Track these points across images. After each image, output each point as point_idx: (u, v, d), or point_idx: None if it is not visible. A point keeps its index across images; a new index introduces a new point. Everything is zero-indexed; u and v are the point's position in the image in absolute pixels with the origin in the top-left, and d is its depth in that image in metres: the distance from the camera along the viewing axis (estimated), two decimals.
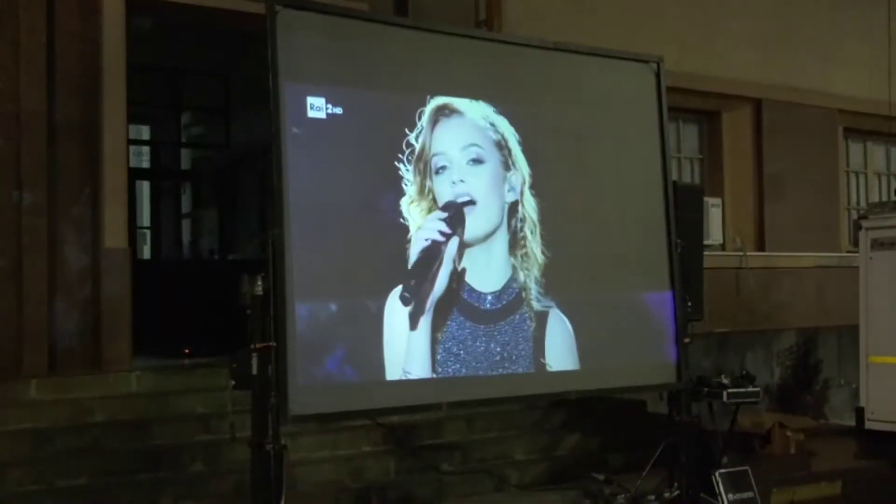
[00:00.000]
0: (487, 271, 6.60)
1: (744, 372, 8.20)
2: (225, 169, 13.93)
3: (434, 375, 6.28)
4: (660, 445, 7.58)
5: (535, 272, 6.79)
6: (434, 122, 6.49)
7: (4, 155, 8.16)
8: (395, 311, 6.12)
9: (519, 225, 6.78)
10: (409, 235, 6.23)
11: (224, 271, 11.29)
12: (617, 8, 11.52)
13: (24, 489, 6.93)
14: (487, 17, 10.45)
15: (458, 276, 6.41)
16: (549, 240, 6.86)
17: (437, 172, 6.42)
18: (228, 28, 10.00)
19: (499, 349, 6.59)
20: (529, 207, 6.85)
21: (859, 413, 10.08)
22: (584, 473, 8.16)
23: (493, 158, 6.72)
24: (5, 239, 8.16)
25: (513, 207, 6.77)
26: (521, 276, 6.75)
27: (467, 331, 6.43)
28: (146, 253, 13.88)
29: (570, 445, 8.91)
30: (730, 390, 7.65)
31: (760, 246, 12.98)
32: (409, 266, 6.20)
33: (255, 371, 5.63)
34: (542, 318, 6.80)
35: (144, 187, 14.06)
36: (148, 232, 14.03)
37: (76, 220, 8.46)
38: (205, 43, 11.62)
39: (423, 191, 6.34)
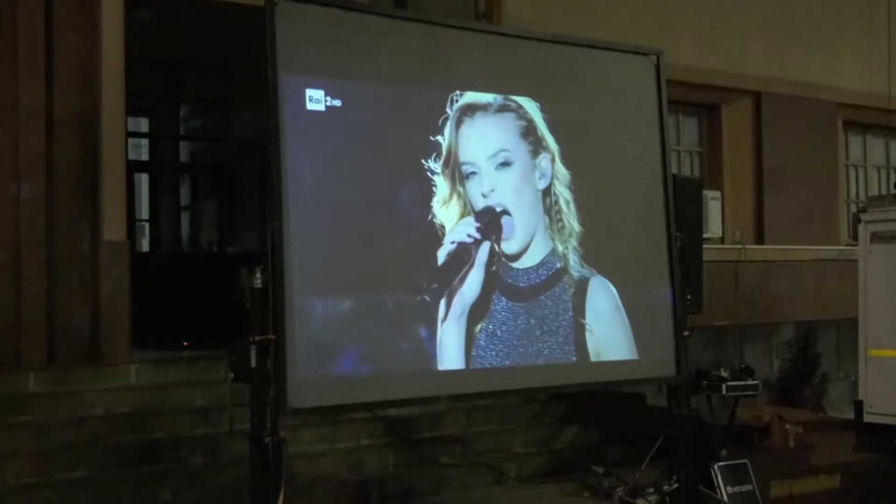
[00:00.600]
0: (527, 253, 6.71)
1: (743, 365, 8.19)
2: (224, 161, 13.90)
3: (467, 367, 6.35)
4: (659, 438, 7.59)
5: (574, 242, 6.89)
6: (458, 122, 6.52)
7: (3, 148, 8.16)
8: (412, 309, 6.15)
9: (554, 203, 6.87)
10: (437, 233, 6.30)
11: (223, 264, 11.30)
12: (617, 0, 11.50)
13: (23, 482, 6.94)
14: (487, 9, 10.44)
15: (492, 280, 6.47)
16: (582, 208, 6.98)
17: (466, 178, 6.49)
18: (227, 20, 9.98)
19: (536, 323, 6.67)
20: (560, 184, 6.91)
21: (858, 406, 10.07)
22: (583, 466, 8.19)
23: (520, 155, 6.78)
24: (4, 232, 8.16)
25: (546, 192, 6.85)
26: (560, 248, 6.84)
27: (507, 313, 6.51)
28: (145, 246, 13.87)
29: (568, 438, 8.91)
30: (729, 383, 7.64)
31: (760, 239, 12.98)
32: (438, 265, 6.27)
33: (253, 364, 5.62)
34: (582, 284, 6.91)
35: (143, 180, 14.03)
36: (147, 225, 14.01)
37: (75, 213, 8.45)
38: (204, 35, 11.60)
39: (452, 195, 6.41)
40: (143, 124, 14.50)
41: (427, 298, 6.18)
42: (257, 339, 5.62)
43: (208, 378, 8.09)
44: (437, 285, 6.25)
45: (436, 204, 6.35)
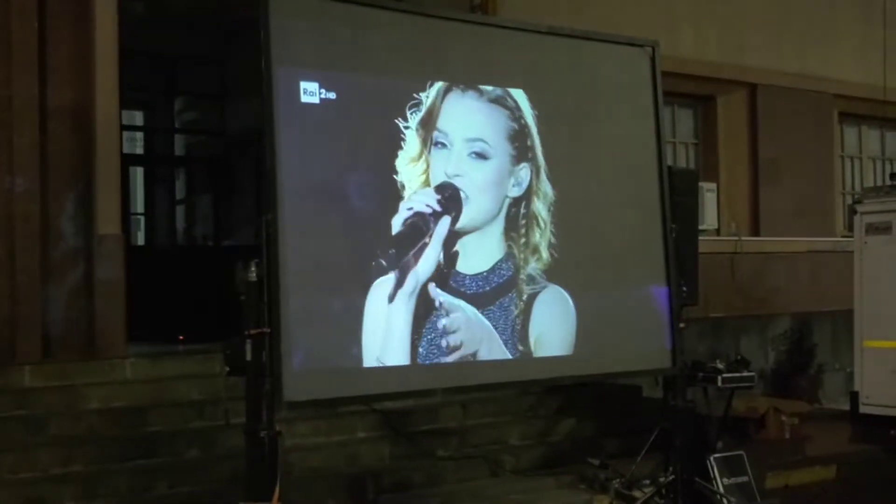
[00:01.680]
0: (477, 254, 6.48)
1: (738, 357, 8.20)
2: (219, 155, 13.88)
3: (416, 362, 6.15)
4: (655, 430, 7.59)
5: (535, 263, 6.69)
6: (447, 90, 6.43)
7: None
8: (378, 289, 6.00)
9: (522, 212, 6.66)
10: (398, 203, 6.11)
11: (218, 257, 11.30)
12: None
13: (19, 476, 6.92)
14: (482, 1, 10.42)
15: (449, 261, 6.30)
16: (559, 231, 6.78)
17: (435, 146, 6.33)
18: (222, 12, 9.96)
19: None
20: (540, 202, 6.72)
21: (854, 397, 10.12)
22: (579, 458, 8.18)
23: (500, 154, 6.61)
24: None
25: (515, 202, 6.66)
26: (517, 260, 6.62)
27: (455, 313, 6.30)
28: (140, 239, 13.85)
29: (565, 431, 8.92)
30: (725, 375, 7.64)
31: (755, 231, 12.97)
32: (392, 234, 6.08)
33: (249, 357, 5.61)
34: (530, 300, 6.68)
35: (138, 173, 14.01)
36: (142, 218, 13.99)
37: (69, 206, 8.42)
38: (198, 27, 11.57)
39: (420, 157, 6.25)
40: (138, 117, 14.48)
41: (384, 263, 6.01)
42: (252, 332, 5.60)
43: (204, 372, 8.08)
44: (393, 251, 6.07)
45: (401, 160, 6.18)
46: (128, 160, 12.47)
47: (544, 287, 6.75)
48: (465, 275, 6.41)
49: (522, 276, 6.67)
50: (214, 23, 11.07)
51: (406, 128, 6.18)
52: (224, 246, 13.12)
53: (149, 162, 14.35)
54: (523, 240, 6.68)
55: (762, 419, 9.59)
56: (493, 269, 6.55)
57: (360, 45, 6.17)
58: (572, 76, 7.15)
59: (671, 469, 7.49)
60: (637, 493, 7.49)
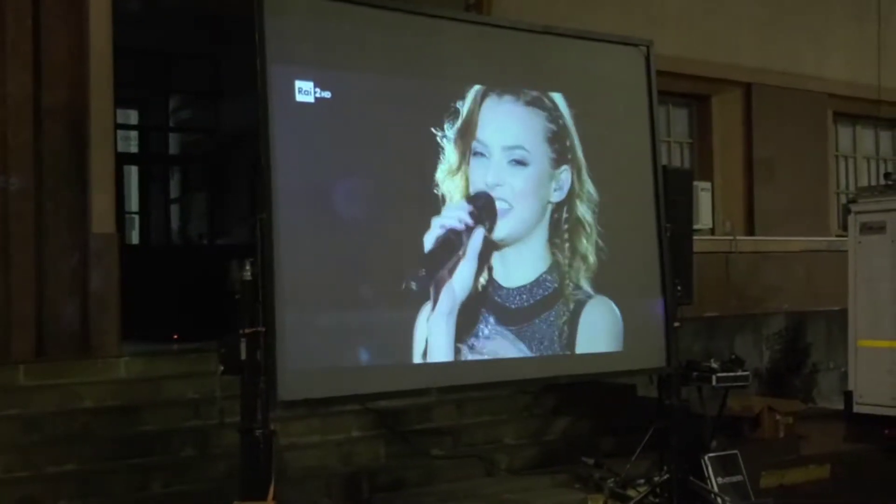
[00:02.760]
0: (518, 266, 6.44)
1: (733, 356, 8.21)
2: (214, 153, 13.86)
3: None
4: (649, 430, 7.60)
5: (585, 271, 6.67)
6: (484, 95, 6.41)
7: None
8: (404, 301, 6.02)
9: (565, 217, 6.61)
10: (439, 205, 6.12)
11: (213, 256, 11.26)
12: None
13: (13, 475, 6.91)
14: (477, 1, 10.41)
15: (486, 275, 6.26)
16: (605, 234, 6.76)
17: (474, 155, 6.32)
18: (217, 10, 9.93)
19: (526, 346, 6.49)
20: (583, 205, 6.68)
21: (848, 397, 10.11)
22: (574, 458, 8.18)
23: (539, 159, 6.60)
24: None
25: (558, 207, 6.63)
26: (564, 269, 6.55)
27: (497, 334, 6.29)
28: (135, 238, 13.82)
29: (559, 430, 8.92)
30: (719, 374, 7.66)
31: (750, 230, 12.99)
32: (425, 252, 6.09)
33: (243, 356, 5.62)
34: (578, 308, 6.66)
35: (132, 172, 13.98)
36: (136, 217, 13.96)
37: (64, 205, 8.41)
38: (193, 26, 11.54)
39: (459, 168, 6.22)
40: (133, 116, 14.44)
41: (413, 286, 6.05)
42: (247, 331, 5.61)
43: (198, 370, 8.07)
44: (424, 272, 6.07)
45: (441, 172, 6.18)
46: (122, 159, 12.44)
47: (590, 297, 6.72)
48: (508, 288, 6.36)
49: (569, 286, 6.59)
50: (209, 21, 11.03)
51: (446, 139, 6.17)
52: (219, 245, 13.09)
53: (143, 161, 14.32)
54: (568, 245, 6.60)
55: (757, 418, 9.59)
56: (537, 282, 6.51)
57: (356, 45, 6.17)
58: (567, 75, 7.13)
59: (666, 468, 7.50)
60: (631, 493, 7.49)
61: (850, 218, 10.28)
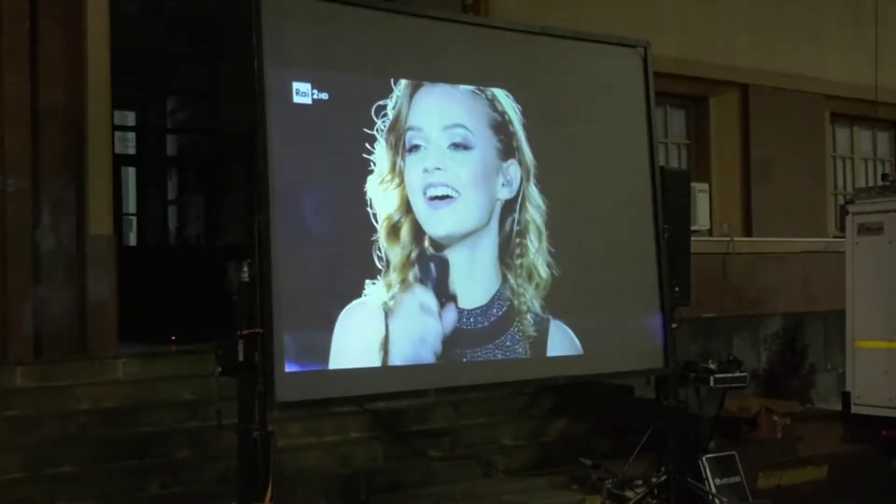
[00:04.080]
0: (470, 282, 6.22)
1: (731, 357, 8.22)
2: (211, 155, 13.85)
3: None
4: (647, 431, 7.60)
5: (535, 290, 6.44)
6: (415, 87, 6.20)
7: None
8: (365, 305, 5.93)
9: (515, 229, 6.33)
10: (376, 223, 5.94)
11: (210, 257, 11.25)
12: None
13: (10, 476, 6.91)
14: (474, 2, 10.42)
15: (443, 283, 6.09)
16: (556, 247, 6.54)
17: (409, 151, 6.08)
18: (215, 12, 9.93)
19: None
20: (533, 208, 6.40)
21: (845, 397, 10.13)
22: (571, 459, 8.18)
23: (483, 144, 6.33)
24: None
25: (507, 207, 6.35)
26: (514, 288, 6.31)
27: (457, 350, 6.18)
28: (132, 239, 13.81)
29: (557, 431, 8.92)
30: (717, 375, 7.66)
31: (747, 231, 12.99)
32: (376, 256, 5.96)
33: (241, 358, 5.61)
34: (541, 333, 6.48)
35: (130, 173, 13.97)
36: (134, 218, 13.95)
37: (61, 206, 8.40)
38: (191, 27, 11.54)
39: (393, 169, 5.97)
40: (130, 118, 14.43)
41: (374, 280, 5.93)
42: (245, 332, 5.60)
43: (196, 372, 8.06)
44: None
45: (371, 184, 5.90)
46: (120, 160, 12.43)
47: (548, 321, 6.50)
48: (464, 309, 6.19)
49: (523, 308, 6.36)
50: (207, 22, 11.03)
51: (376, 141, 5.96)
52: (216, 246, 13.08)
53: (141, 162, 14.31)
54: (519, 260, 6.31)
55: (754, 419, 9.60)
56: (491, 302, 6.29)
57: (354, 46, 6.17)
58: (564, 77, 7.14)
59: (663, 469, 7.50)
60: (629, 494, 7.49)
61: (848, 219, 10.29)
